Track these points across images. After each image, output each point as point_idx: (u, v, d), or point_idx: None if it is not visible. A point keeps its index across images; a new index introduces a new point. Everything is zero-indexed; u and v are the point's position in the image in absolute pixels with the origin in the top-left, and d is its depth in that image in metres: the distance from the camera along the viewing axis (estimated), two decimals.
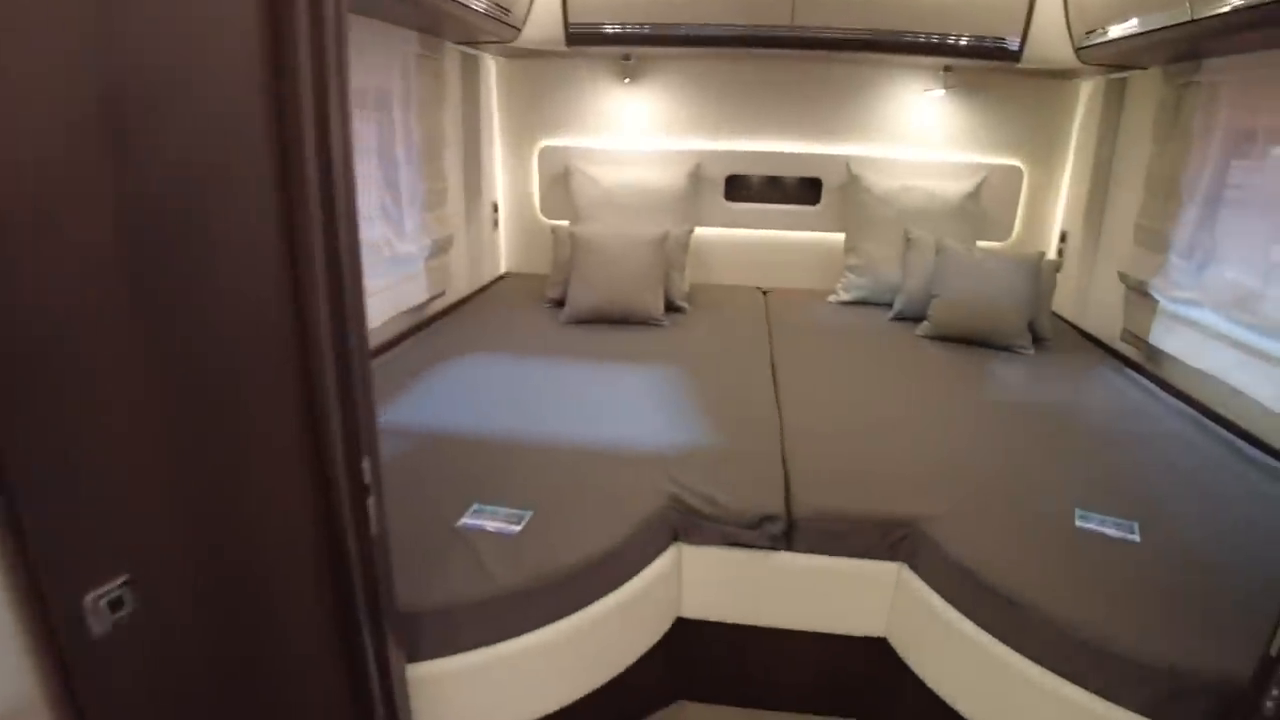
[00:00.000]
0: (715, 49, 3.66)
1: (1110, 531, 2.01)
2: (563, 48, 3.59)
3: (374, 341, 3.05)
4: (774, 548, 2.06)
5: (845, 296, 4.00)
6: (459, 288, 3.88)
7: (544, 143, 4.26)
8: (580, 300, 3.45)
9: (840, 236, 4.16)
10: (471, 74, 3.87)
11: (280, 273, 1.11)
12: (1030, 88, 4.03)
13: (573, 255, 3.54)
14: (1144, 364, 3.30)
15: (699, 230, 4.19)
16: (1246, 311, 2.73)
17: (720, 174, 4.22)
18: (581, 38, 3.54)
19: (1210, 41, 2.71)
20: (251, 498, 1.13)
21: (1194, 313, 2.98)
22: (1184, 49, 2.88)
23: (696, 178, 4.12)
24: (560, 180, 4.17)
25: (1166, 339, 3.13)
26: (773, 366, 3.10)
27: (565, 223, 4.09)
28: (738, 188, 4.26)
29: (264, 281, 1.10)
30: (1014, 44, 3.42)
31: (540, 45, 3.63)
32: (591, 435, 2.34)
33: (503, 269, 4.52)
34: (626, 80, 4.05)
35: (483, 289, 4.12)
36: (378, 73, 2.97)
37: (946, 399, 2.83)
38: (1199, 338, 2.94)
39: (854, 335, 3.53)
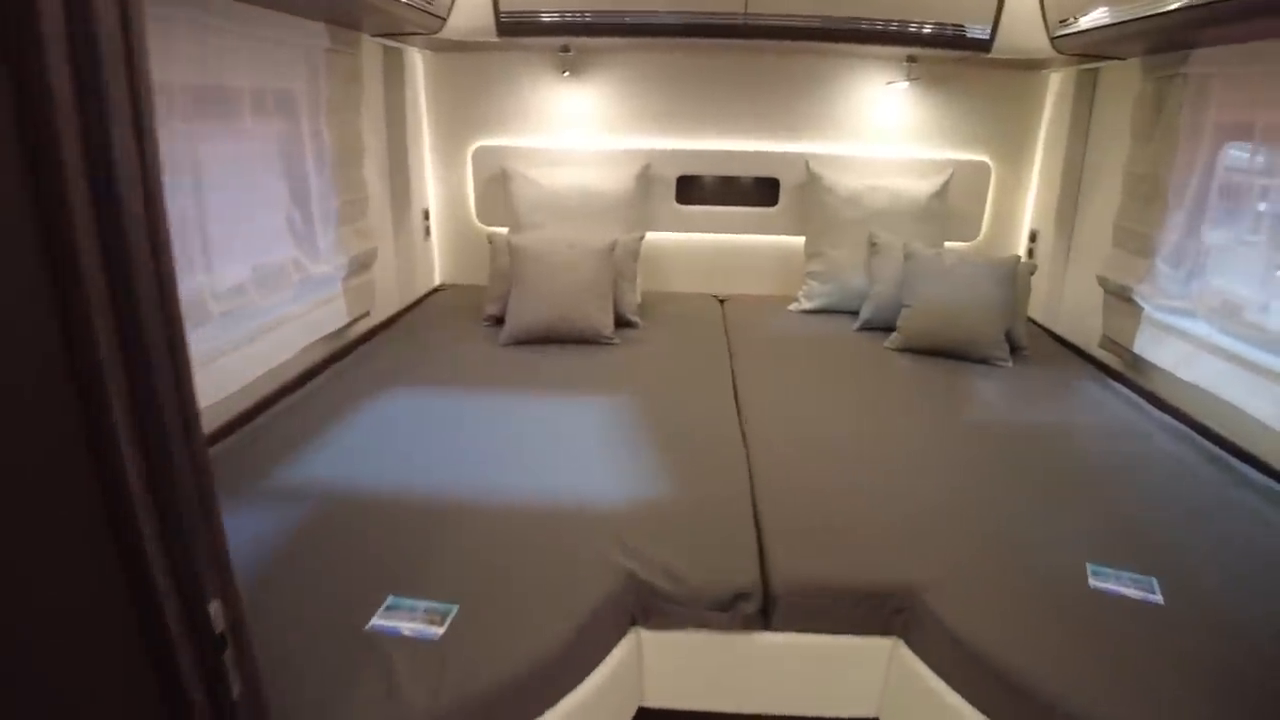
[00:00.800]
0: (663, 39, 3.35)
1: (1130, 592, 1.75)
2: (494, 39, 3.25)
3: (286, 376, 2.70)
4: (750, 629, 1.76)
5: (807, 305, 3.73)
6: (386, 306, 3.53)
7: (478, 143, 3.91)
8: (520, 318, 3.13)
9: (800, 240, 3.88)
10: (395, 70, 3.52)
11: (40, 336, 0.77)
12: (997, 79, 3.79)
13: (512, 268, 3.21)
14: (1128, 374, 3.09)
15: (650, 235, 3.88)
16: (1242, 323, 2.53)
17: (671, 174, 3.92)
18: (514, 28, 3.21)
19: (1201, 31, 2.48)
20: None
21: (1183, 322, 2.77)
22: (1170, 38, 2.65)
23: (646, 179, 3.82)
24: (497, 183, 3.83)
25: (1153, 349, 2.92)
26: (734, 390, 2.81)
27: (504, 230, 3.76)
28: (690, 189, 3.96)
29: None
30: (983, 32, 3.17)
31: (469, 37, 3.29)
32: (532, 489, 2.02)
33: (437, 281, 4.16)
34: (565, 74, 3.72)
35: (414, 305, 3.76)
36: (278, 71, 2.61)
37: (927, 425, 2.57)
38: (1189, 348, 2.73)
39: (820, 349, 3.26)
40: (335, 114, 2.92)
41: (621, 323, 3.35)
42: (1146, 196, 2.95)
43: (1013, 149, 3.93)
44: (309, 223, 2.82)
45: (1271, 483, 2.24)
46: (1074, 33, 2.90)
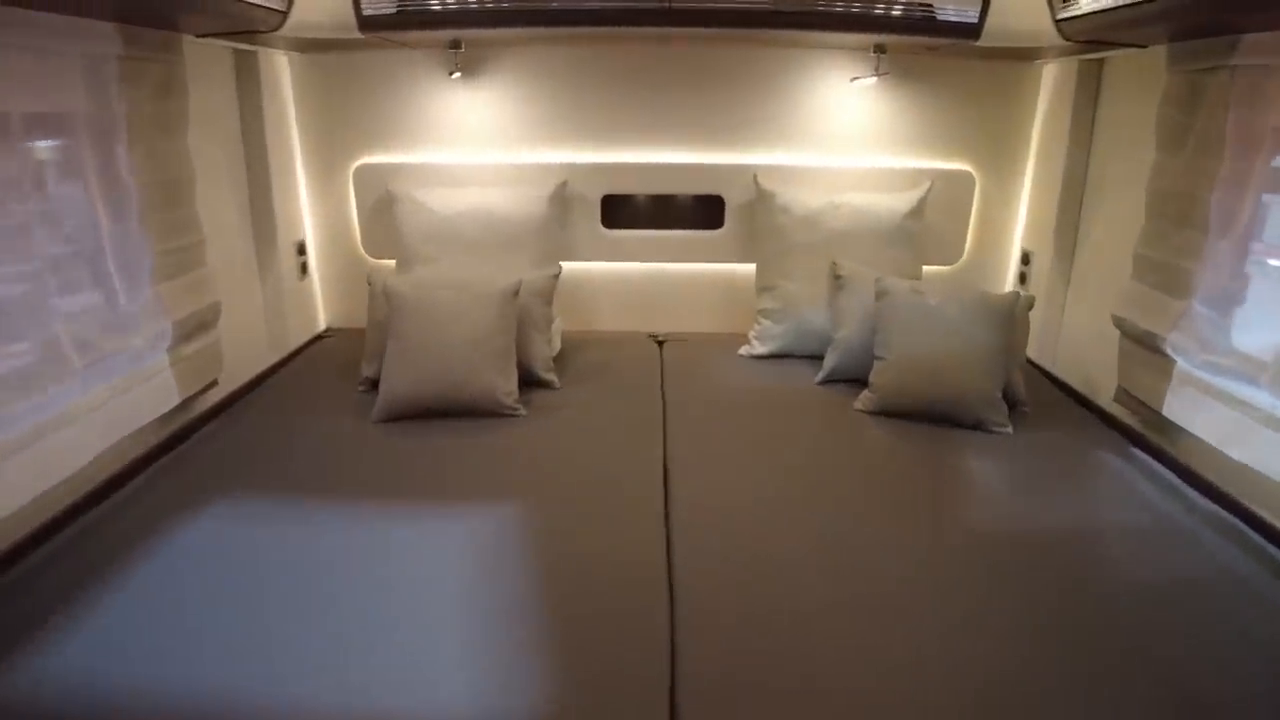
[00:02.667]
0: (575, 29, 2.69)
1: None
2: (358, 35, 2.58)
3: (72, 497, 2.02)
4: None
5: (760, 349, 3.10)
6: (247, 367, 2.86)
7: (360, 161, 3.24)
8: (395, 387, 2.47)
9: (751, 268, 3.25)
10: (249, 77, 2.84)
11: None
12: (981, 72, 3.18)
13: (388, 319, 2.55)
14: (1151, 437, 2.50)
15: (572, 266, 3.25)
16: None
17: (595, 194, 3.27)
18: (382, 21, 2.54)
19: (1258, 11, 1.89)
20: None
21: (1235, 386, 2.16)
22: (1215, 20, 2.04)
23: (562, 200, 3.17)
24: (385, 207, 3.16)
25: (1189, 414, 2.33)
26: (665, 481, 2.19)
27: (393, 262, 3.10)
28: (618, 211, 3.31)
29: None
30: (970, 14, 2.54)
31: (324, 34, 2.63)
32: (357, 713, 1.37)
33: (322, 325, 3.48)
34: (456, 74, 3.04)
35: (288, 360, 3.08)
36: (40, 90, 1.92)
37: (908, 528, 1.98)
38: (1242, 420, 2.13)
39: (774, 412, 2.64)
40: (142, 140, 2.22)
41: (532, 383, 2.71)
42: (1178, 219, 2.35)
43: (1000, 156, 3.32)
44: (104, 284, 2.14)
45: None
46: (1084, 14, 2.29)
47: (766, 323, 3.10)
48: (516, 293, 2.58)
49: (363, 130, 3.21)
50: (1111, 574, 1.83)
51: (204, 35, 2.47)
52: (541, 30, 2.74)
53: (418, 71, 3.13)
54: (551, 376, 2.76)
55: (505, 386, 2.51)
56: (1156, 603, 1.71)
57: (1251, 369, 2.11)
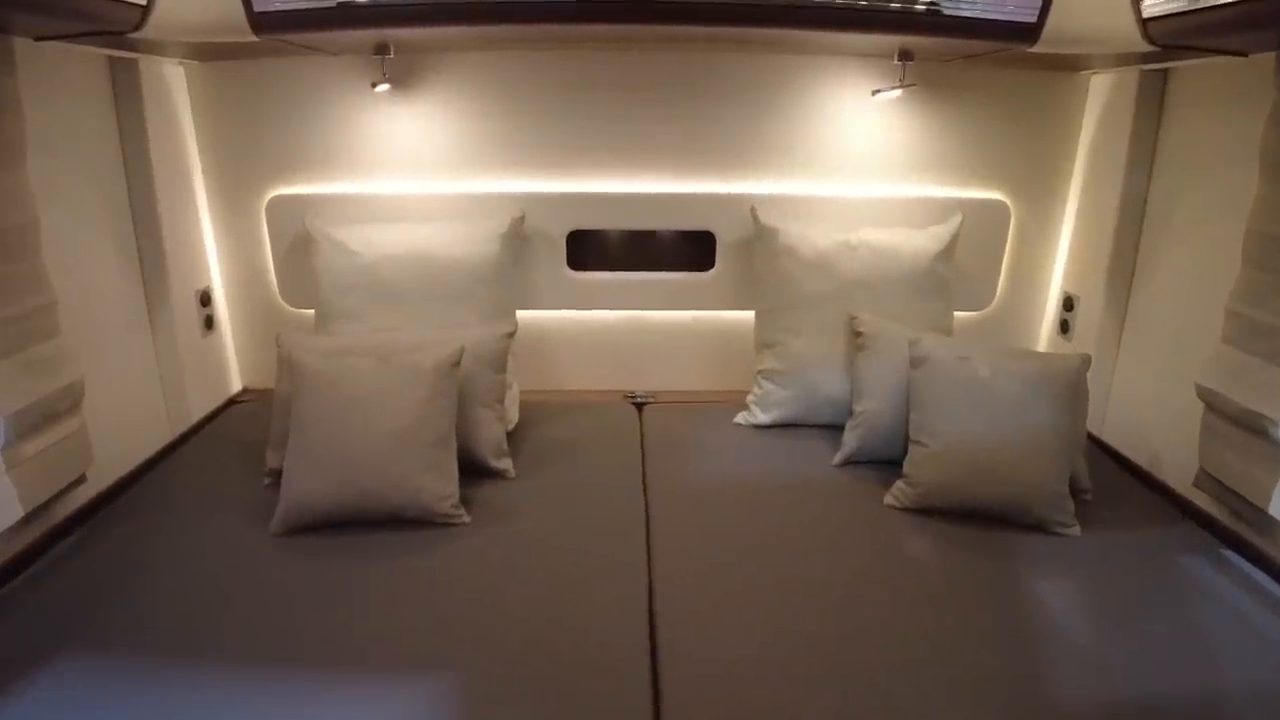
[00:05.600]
0: (529, 27, 2.16)
1: None
2: (251, 37, 2.02)
3: None
4: None
5: (762, 417, 2.56)
6: (131, 450, 2.28)
7: (275, 192, 2.67)
8: (299, 492, 1.90)
9: (748, 315, 2.71)
10: (130, 92, 2.27)
11: None
12: (1019, 84, 2.68)
13: (292, 399, 1.99)
14: (1259, 543, 1.98)
15: (533, 315, 2.73)
16: None
17: (559, 230, 2.72)
18: (279, 19, 1.98)
19: None
20: None
21: None
22: None
23: (518, 238, 2.61)
24: (304, 246, 2.59)
25: None
26: (652, 629, 1.63)
27: (312, 312, 2.56)
28: (588, 250, 2.77)
29: None
30: (1026, 13, 2.03)
31: (209, 36, 2.09)
32: None
33: (236, 386, 2.90)
34: (382, 86, 2.48)
35: (189, 435, 2.50)
36: None
37: (986, 703, 1.44)
38: None
39: (788, 511, 2.10)
40: None
41: (479, 474, 2.16)
42: None
43: (1039, 182, 2.81)
44: None
45: None
46: (1183, 12, 1.78)
47: (769, 385, 2.56)
48: (458, 363, 2.02)
49: (277, 155, 2.64)
50: None
51: (45, 38, 1.89)
52: (482, 30, 2.21)
53: (340, 83, 2.56)
54: (504, 464, 2.21)
55: (441, 489, 1.95)
56: None
57: None
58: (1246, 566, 1.90)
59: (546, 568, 1.82)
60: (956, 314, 2.77)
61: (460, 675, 1.46)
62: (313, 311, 2.60)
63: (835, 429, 2.42)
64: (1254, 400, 1.95)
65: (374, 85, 2.45)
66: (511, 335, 2.30)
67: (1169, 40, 1.93)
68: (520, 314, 2.68)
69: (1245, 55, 2.03)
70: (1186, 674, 1.54)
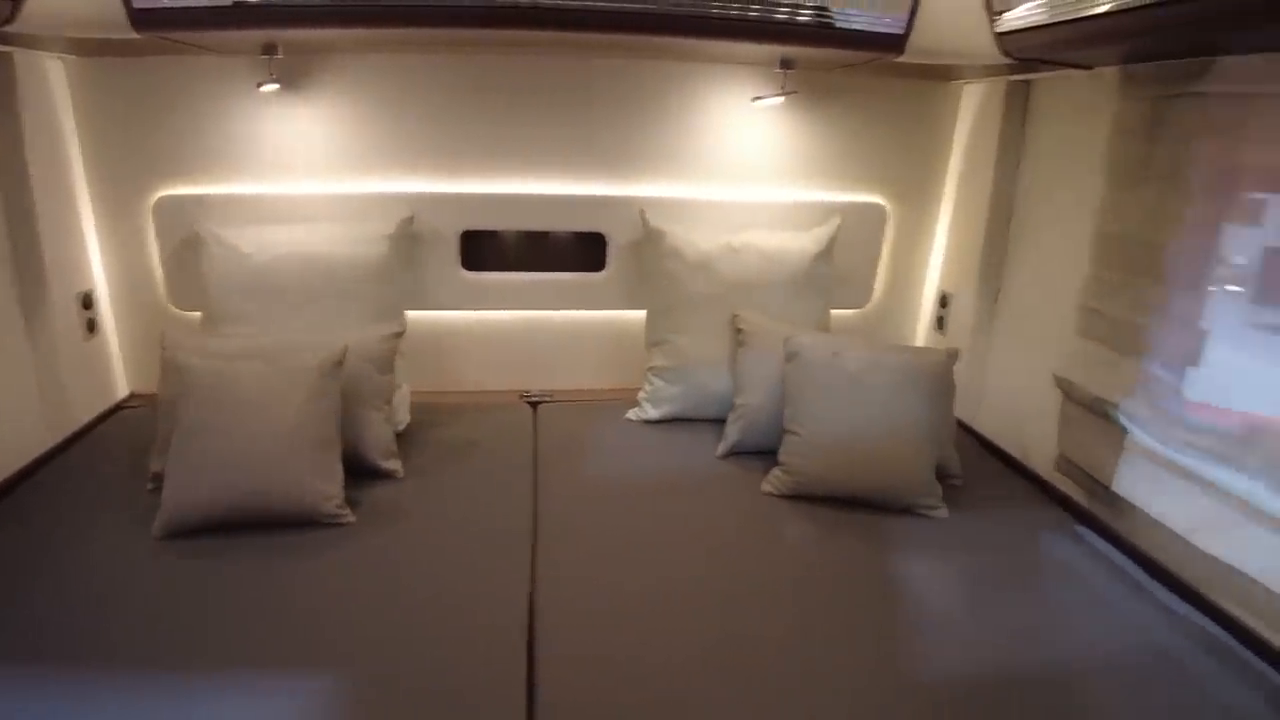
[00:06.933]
0: (418, 30, 2.17)
1: None
2: (131, 34, 2.00)
3: None
4: None
5: (652, 412, 2.64)
6: (5, 460, 2.22)
7: (162, 192, 2.63)
8: (182, 494, 1.89)
9: (641, 314, 2.79)
10: (4, 87, 2.22)
11: None
12: (895, 94, 2.82)
13: (176, 402, 1.98)
14: (1102, 516, 2.16)
15: (426, 316, 2.74)
16: None
17: (452, 230, 2.74)
18: (162, 17, 1.98)
19: (1243, 30, 1.55)
20: None
21: (1207, 468, 1.82)
22: (1187, 39, 1.70)
23: (409, 238, 2.64)
24: (192, 248, 2.56)
25: (1148, 494, 2.01)
26: (531, 616, 1.68)
27: (199, 313, 2.53)
28: (482, 250, 2.80)
29: None
30: (895, 25, 2.15)
31: (88, 31, 2.06)
32: None
33: (123, 391, 2.85)
34: (270, 86, 2.46)
35: (70, 442, 2.45)
36: None
37: (854, 668, 1.57)
38: (1217, 509, 1.81)
39: (671, 499, 2.18)
40: None
41: (367, 475, 2.17)
42: (1133, 267, 2.01)
43: (915, 186, 2.96)
44: None
45: None
46: (1030, 28, 1.92)
47: (659, 382, 2.64)
48: (340, 363, 2.04)
49: (164, 154, 2.60)
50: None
51: None
52: (373, 32, 2.22)
53: (230, 82, 2.54)
54: (393, 465, 2.22)
55: (325, 489, 1.96)
56: None
57: (1222, 444, 1.77)
58: (1099, 543, 2.05)
59: (431, 566, 1.84)
60: (838, 312, 2.90)
61: (341, 673, 1.48)
62: (194, 313, 2.58)
63: (721, 422, 2.50)
64: (1101, 388, 2.11)
65: (259, 85, 2.43)
66: (398, 336, 2.32)
67: (1022, 53, 2.08)
68: (415, 314, 2.70)
69: (1090, 68, 2.19)
70: (1041, 644, 1.67)
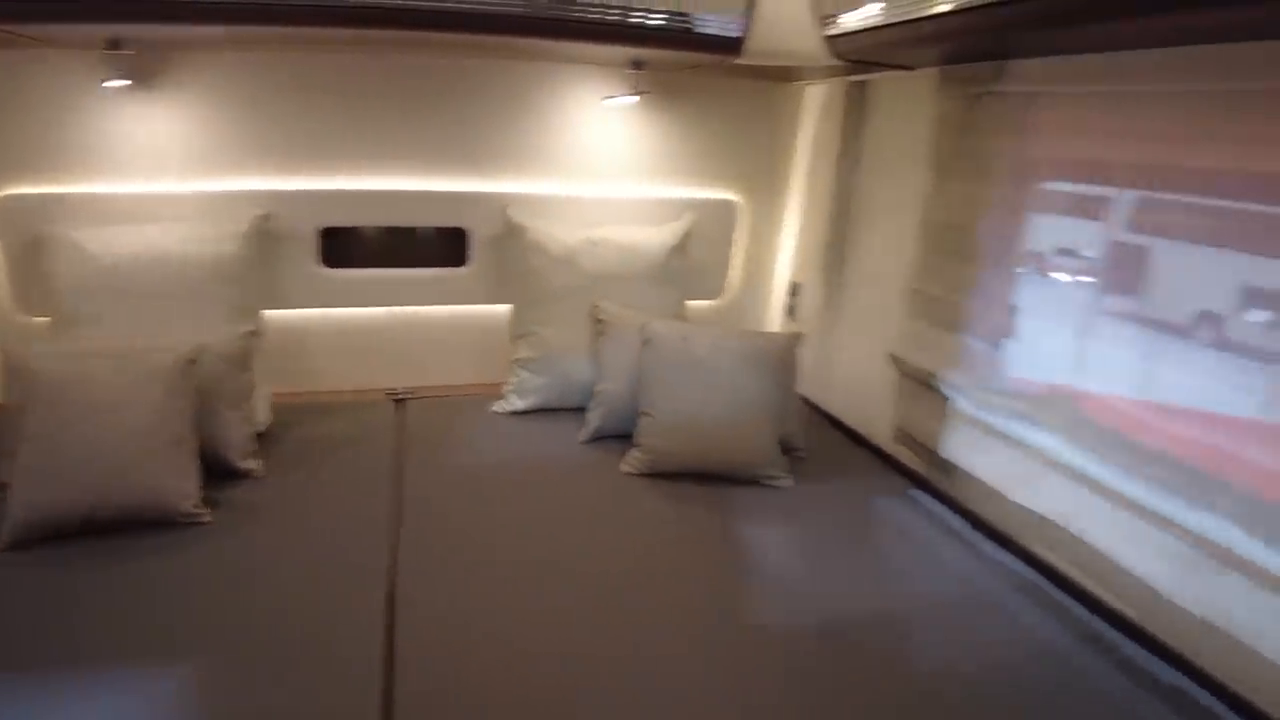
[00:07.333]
0: (275, 28, 2.18)
1: None
2: None
3: None
4: None
5: (519, 404, 2.71)
6: None
7: (6, 190, 2.54)
8: (31, 499, 1.84)
9: (506, 309, 2.86)
10: None
11: None
12: (745, 94, 2.98)
13: (22, 408, 1.94)
14: (936, 481, 2.35)
15: (286, 315, 2.73)
16: (1106, 440, 1.80)
17: (309, 227, 2.74)
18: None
19: (1022, 34, 1.75)
20: None
21: (1016, 427, 2.04)
22: (979, 44, 1.89)
23: (265, 235, 2.61)
24: (40, 250, 2.47)
25: (969, 456, 2.22)
26: (392, 607, 1.71)
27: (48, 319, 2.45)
28: (343, 247, 2.80)
29: None
30: (733, 28, 2.29)
31: None
32: None
33: None
34: (119, 82, 2.39)
35: None
36: None
37: (701, 624, 1.70)
38: (1026, 464, 2.03)
39: (535, 484, 2.27)
40: None
41: (227, 475, 2.16)
42: (951, 250, 2.22)
43: (765, 183, 3.14)
44: None
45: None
46: (854, 31, 2.09)
47: (524, 374, 2.71)
48: (194, 360, 2.04)
49: (6, 152, 2.50)
50: (914, 661, 1.63)
51: None
52: (234, 31, 2.22)
53: (77, 79, 2.47)
54: (253, 464, 2.21)
55: (182, 488, 1.95)
56: (965, 695, 1.53)
57: (1028, 407, 1.98)
58: (931, 503, 2.26)
59: (291, 563, 1.84)
60: (695, 303, 3.05)
61: (197, 671, 1.49)
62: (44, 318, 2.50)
63: (585, 410, 2.59)
64: (928, 362, 2.31)
65: (104, 82, 2.38)
66: (255, 334, 2.32)
67: (849, 55, 2.25)
68: (276, 314, 2.68)
69: (912, 69, 2.39)
70: (873, 593, 1.85)
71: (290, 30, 2.24)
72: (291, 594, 1.73)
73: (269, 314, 2.64)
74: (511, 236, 2.76)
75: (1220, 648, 1.56)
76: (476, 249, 2.88)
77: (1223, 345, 1.62)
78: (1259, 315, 1.59)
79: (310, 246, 2.74)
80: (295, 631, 1.61)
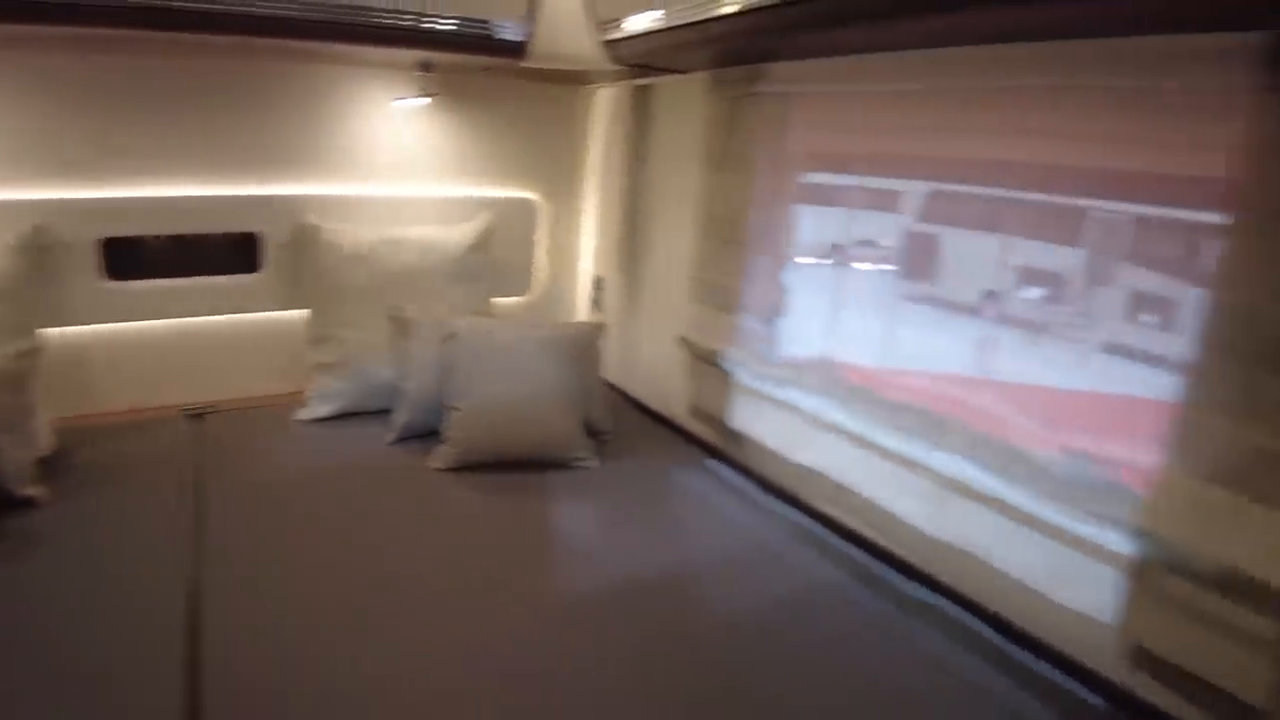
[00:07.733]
0: (36, 26, 2.06)
1: None
2: None
3: None
4: None
5: (322, 410, 2.68)
6: None
7: None
8: None
9: (303, 315, 2.81)
10: None
11: None
12: (537, 96, 3.08)
13: None
14: (728, 449, 2.55)
15: (66, 333, 2.57)
16: (859, 396, 2.03)
17: (89, 238, 2.59)
18: None
19: (777, 40, 1.93)
20: None
21: (785, 393, 2.24)
22: (738, 50, 2.07)
23: (38, 249, 2.45)
24: None
25: (753, 423, 2.44)
26: (193, 626, 1.65)
27: None
28: (128, 258, 2.65)
29: None
30: (516, 33, 2.38)
31: None
32: None
33: None
34: None
35: None
36: None
37: (512, 604, 1.76)
38: (792, 423, 2.24)
39: (342, 491, 2.25)
40: None
41: (5, 503, 2.00)
42: (725, 238, 2.40)
43: (562, 182, 3.26)
44: None
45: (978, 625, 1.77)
46: (629, 37, 2.21)
47: (325, 379, 2.68)
48: None
49: None
50: (708, 609, 1.79)
51: None
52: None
53: None
54: (34, 491, 2.07)
55: None
56: (756, 632, 1.70)
57: (795, 375, 2.19)
58: (723, 470, 2.46)
59: (80, 590, 1.74)
60: (502, 300, 3.11)
61: None
62: None
63: (390, 412, 2.59)
64: (712, 342, 2.47)
65: None
66: (30, 354, 2.18)
67: (626, 60, 2.39)
68: (57, 332, 2.52)
69: (685, 73, 2.55)
70: (669, 555, 2.00)
71: (58, 30, 2.12)
72: (81, 624, 1.63)
73: (50, 332, 2.45)
74: (306, 239, 2.73)
75: (965, 568, 1.80)
76: (271, 254, 2.81)
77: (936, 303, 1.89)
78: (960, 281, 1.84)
79: (89, 259, 2.59)
80: (84, 666, 1.52)
